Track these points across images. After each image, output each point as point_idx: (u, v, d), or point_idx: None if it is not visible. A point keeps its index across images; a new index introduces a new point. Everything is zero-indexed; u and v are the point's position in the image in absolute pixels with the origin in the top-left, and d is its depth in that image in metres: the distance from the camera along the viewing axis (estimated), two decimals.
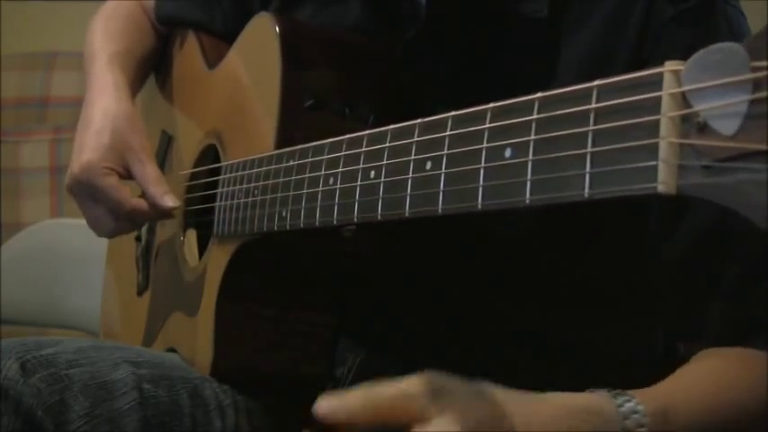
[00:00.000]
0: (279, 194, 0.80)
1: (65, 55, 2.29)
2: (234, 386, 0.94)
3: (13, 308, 1.83)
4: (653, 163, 0.44)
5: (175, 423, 0.89)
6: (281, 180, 0.80)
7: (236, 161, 0.93)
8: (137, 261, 1.21)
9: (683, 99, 0.44)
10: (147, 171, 1.01)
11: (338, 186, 0.70)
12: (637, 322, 0.91)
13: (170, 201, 1.00)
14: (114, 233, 1.07)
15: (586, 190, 0.48)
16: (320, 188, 0.73)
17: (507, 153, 0.53)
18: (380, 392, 0.60)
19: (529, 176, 0.51)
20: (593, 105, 0.48)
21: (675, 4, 0.83)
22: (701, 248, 0.80)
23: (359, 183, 0.67)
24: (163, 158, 1.18)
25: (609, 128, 0.47)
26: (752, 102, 0.40)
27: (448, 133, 0.58)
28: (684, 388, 0.71)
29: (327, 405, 0.60)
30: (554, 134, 0.50)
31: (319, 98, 0.88)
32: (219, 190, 0.96)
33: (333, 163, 0.71)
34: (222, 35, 1.12)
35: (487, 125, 0.55)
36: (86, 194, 1.03)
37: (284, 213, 0.79)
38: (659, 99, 0.45)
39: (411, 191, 0.61)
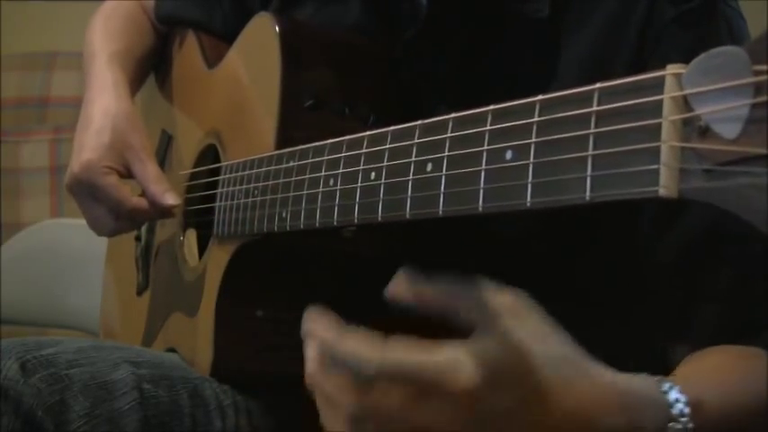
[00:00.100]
0: (279, 195, 0.80)
1: (65, 55, 2.28)
2: (234, 386, 0.94)
3: (13, 308, 1.83)
4: (654, 166, 0.44)
5: (175, 423, 0.89)
6: (281, 181, 0.80)
7: (235, 161, 0.93)
8: (136, 261, 1.21)
9: (685, 102, 0.43)
10: (148, 169, 1.01)
11: (338, 187, 0.70)
12: (632, 322, 0.91)
13: (171, 198, 1.00)
14: (114, 232, 1.07)
15: (587, 193, 0.48)
16: (320, 189, 0.73)
17: (508, 155, 0.53)
18: (459, 290, 0.58)
19: (530, 179, 0.51)
20: (595, 108, 0.48)
21: (676, 5, 0.83)
22: (695, 249, 0.81)
23: (359, 184, 0.67)
24: (162, 158, 1.18)
25: (610, 131, 0.47)
26: (753, 105, 0.40)
27: (449, 135, 0.58)
28: (708, 377, 0.70)
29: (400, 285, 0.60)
30: (555, 137, 0.50)
31: (319, 98, 0.88)
32: (219, 190, 0.96)
33: (333, 164, 0.71)
34: (222, 35, 1.12)
35: (488, 127, 0.55)
36: (86, 194, 1.03)
37: (284, 214, 0.79)
38: (661, 102, 0.45)
39: (412, 193, 0.61)
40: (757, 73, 0.40)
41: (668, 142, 0.43)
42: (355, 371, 0.56)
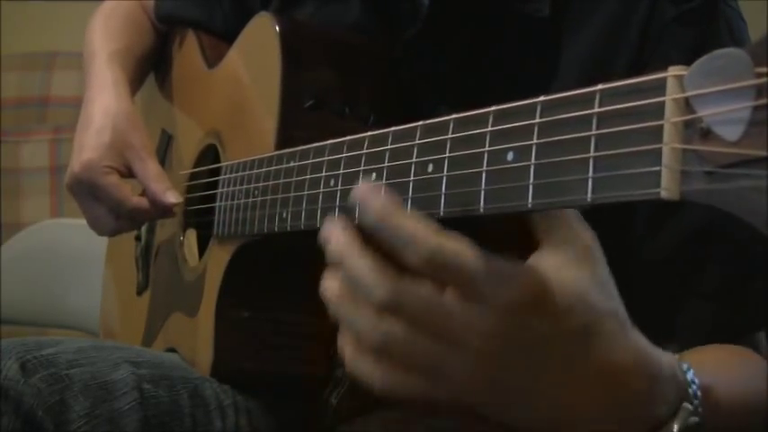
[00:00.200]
0: (279, 195, 0.80)
1: (65, 55, 2.29)
2: (234, 386, 0.94)
3: (13, 308, 1.83)
4: (656, 168, 0.44)
5: (176, 423, 0.89)
6: (281, 181, 0.80)
7: (236, 161, 0.93)
8: (136, 260, 1.21)
9: (687, 104, 0.43)
10: (149, 168, 1.01)
11: (339, 188, 0.70)
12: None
13: (172, 197, 0.99)
14: (115, 232, 1.07)
15: (589, 195, 0.48)
16: (321, 190, 0.73)
17: (509, 156, 0.53)
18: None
19: (531, 180, 0.51)
20: (596, 110, 0.48)
21: (677, 5, 0.83)
22: (686, 248, 0.81)
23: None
24: (162, 157, 1.18)
25: (612, 132, 0.47)
26: (755, 108, 0.40)
27: (450, 136, 0.58)
28: (715, 369, 0.69)
29: None
30: (556, 138, 0.50)
31: (319, 98, 0.88)
32: (219, 190, 0.96)
33: (334, 164, 0.71)
34: (222, 34, 1.12)
35: (489, 128, 0.55)
36: (87, 193, 1.03)
37: (285, 215, 0.79)
38: (662, 104, 0.44)
39: (412, 194, 0.61)
40: (759, 75, 0.40)
41: (670, 144, 0.43)
42: (408, 249, 0.53)
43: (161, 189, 1.00)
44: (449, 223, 0.55)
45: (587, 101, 0.49)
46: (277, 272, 0.93)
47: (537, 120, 0.52)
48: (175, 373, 0.93)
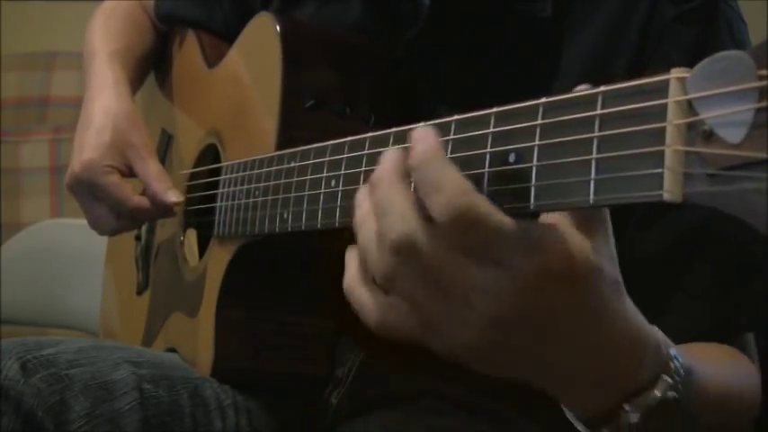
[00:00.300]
0: (280, 196, 0.80)
1: (65, 55, 2.29)
2: (234, 386, 0.94)
3: (13, 308, 1.83)
4: (658, 170, 0.44)
5: (176, 423, 0.89)
6: (282, 181, 0.80)
7: (236, 162, 0.92)
8: (136, 260, 1.21)
9: (689, 107, 0.43)
10: (149, 167, 1.01)
11: (340, 189, 0.70)
12: None
13: (173, 196, 0.99)
14: (115, 232, 1.07)
15: (591, 196, 0.48)
16: (322, 190, 0.73)
17: (511, 158, 0.53)
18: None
19: (533, 182, 0.51)
20: (599, 111, 0.48)
21: (677, 5, 0.83)
22: (678, 248, 0.81)
23: (361, 185, 0.67)
24: (163, 157, 1.18)
25: (614, 134, 0.47)
26: (758, 110, 0.40)
27: (451, 137, 0.58)
28: (699, 359, 0.69)
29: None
30: (559, 140, 0.50)
31: (320, 98, 0.88)
32: (220, 190, 0.96)
33: (335, 165, 0.71)
34: (222, 34, 1.12)
35: (491, 129, 0.55)
36: (87, 193, 1.03)
37: (285, 215, 0.79)
38: (665, 106, 0.44)
39: None
40: (761, 77, 0.40)
41: (672, 146, 0.43)
42: (441, 198, 0.52)
43: (162, 188, 1.00)
44: None
45: (590, 102, 0.49)
46: (277, 272, 0.93)
47: (539, 121, 0.52)
48: (175, 373, 0.93)
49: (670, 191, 0.43)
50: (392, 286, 0.56)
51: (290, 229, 0.78)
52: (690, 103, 0.43)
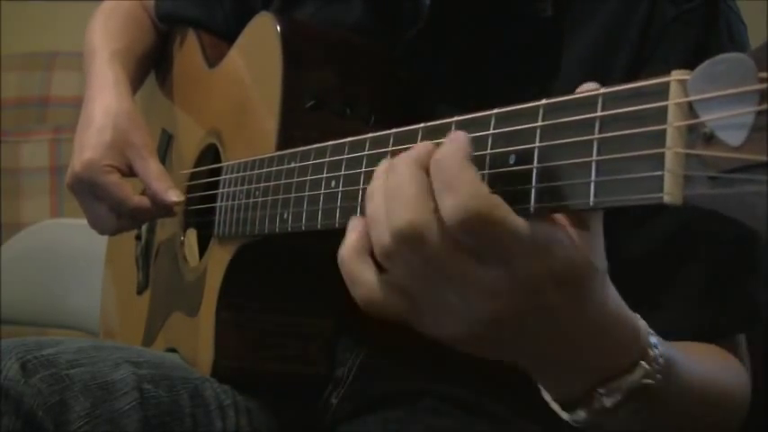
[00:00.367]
0: (280, 196, 0.80)
1: (65, 55, 2.29)
2: (234, 386, 0.94)
3: (13, 308, 1.83)
4: (659, 173, 0.44)
5: (176, 423, 0.88)
6: (282, 182, 0.80)
7: (237, 162, 0.92)
8: (136, 260, 1.21)
9: (690, 109, 0.43)
10: (150, 167, 1.01)
11: (340, 189, 0.70)
12: None
13: (174, 195, 0.99)
14: (116, 231, 1.07)
15: (591, 198, 0.48)
16: (322, 191, 0.73)
17: (511, 160, 0.53)
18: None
19: (534, 184, 0.51)
20: (599, 113, 0.48)
21: (677, 5, 0.83)
22: (669, 248, 0.81)
23: (361, 186, 0.67)
24: (163, 157, 1.18)
25: (614, 136, 0.47)
26: (758, 113, 0.40)
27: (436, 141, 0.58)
28: (682, 353, 0.70)
29: None
30: (559, 142, 0.50)
31: (320, 98, 0.88)
32: (220, 190, 0.96)
33: (335, 166, 0.71)
34: (223, 33, 1.12)
35: (491, 131, 0.55)
36: (88, 192, 1.03)
37: (285, 216, 0.79)
38: (665, 108, 0.44)
39: None
40: (762, 80, 0.40)
41: (673, 149, 0.43)
42: (457, 198, 0.51)
43: (162, 188, 0.99)
44: None
45: (590, 104, 0.49)
46: (277, 272, 0.93)
47: (539, 123, 0.52)
48: (176, 373, 0.93)
49: (670, 193, 0.43)
50: (390, 265, 0.56)
51: (290, 229, 0.78)
52: (690, 105, 0.43)
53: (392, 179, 0.55)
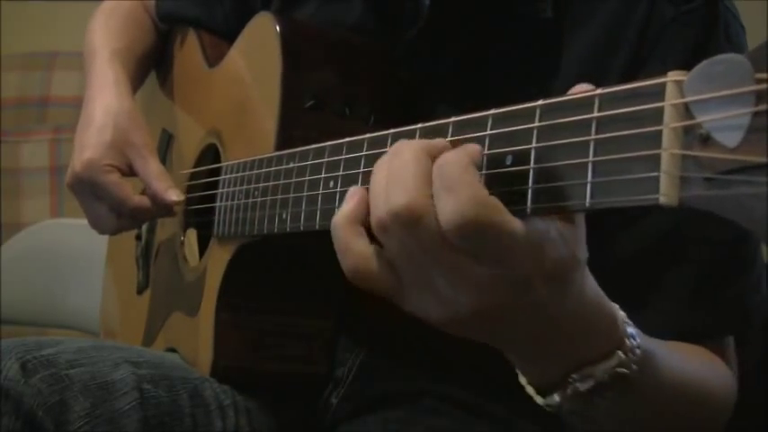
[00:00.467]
0: (279, 196, 0.80)
1: (65, 55, 2.29)
2: (234, 386, 0.94)
3: (13, 308, 1.83)
4: (655, 174, 0.44)
5: (176, 423, 0.88)
6: (281, 182, 0.80)
7: (236, 162, 0.92)
8: (137, 260, 1.21)
9: (686, 110, 0.43)
10: (150, 166, 1.01)
11: (338, 190, 0.70)
12: None
13: (174, 195, 0.99)
14: (116, 231, 1.07)
15: (587, 199, 0.48)
16: (320, 191, 0.73)
17: (508, 160, 0.53)
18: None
19: (530, 185, 0.51)
20: (595, 114, 0.48)
21: (676, 6, 0.83)
22: (658, 248, 0.81)
23: (360, 186, 0.67)
24: (163, 157, 1.18)
25: (611, 137, 0.47)
26: (755, 114, 0.40)
27: (449, 139, 0.58)
28: (665, 348, 0.71)
29: None
30: (555, 142, 0.50)
31: (320, 98, 0.88)
32: (220, 190, 0.96)
33: (333, 166, 0.71)
34: (223, 33, 1.12)
35: (488, 132, 0.55)
36: (88, 192, 1.03)
37: (284, 216, 0.79)
38: (662, 109, 0.44)
39: None
40: (759, 81, 0.40)
41: (669, 150, 0.43)
42: (457, 203, 0.52)
43: (163, 187, 0.99)
44: None
45: (586, 105, 0.49)
46: (277, 272, 0.93)
47: (536, 123, 0.52)
48: (175, 373, 0.93)
49: (666, 194, 0.43)
50: (384, 239, 0.57)
51: (288, 229, 0.78)
52: (687, 106, 0.43)
53: (397, 160, 0.56)
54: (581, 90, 0.51)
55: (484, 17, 0.89)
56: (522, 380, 0.64)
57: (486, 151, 0.55)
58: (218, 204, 0.96)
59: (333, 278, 0.93)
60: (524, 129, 0.52)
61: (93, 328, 1.43)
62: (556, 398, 0.62)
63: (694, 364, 0.77)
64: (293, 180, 0.78)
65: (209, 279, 0.97)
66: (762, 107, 0.39)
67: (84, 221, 1.06)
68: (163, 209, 1.01)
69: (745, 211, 0.39)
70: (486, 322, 0.57)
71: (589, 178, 0.48)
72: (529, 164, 0.52)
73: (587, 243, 0.57)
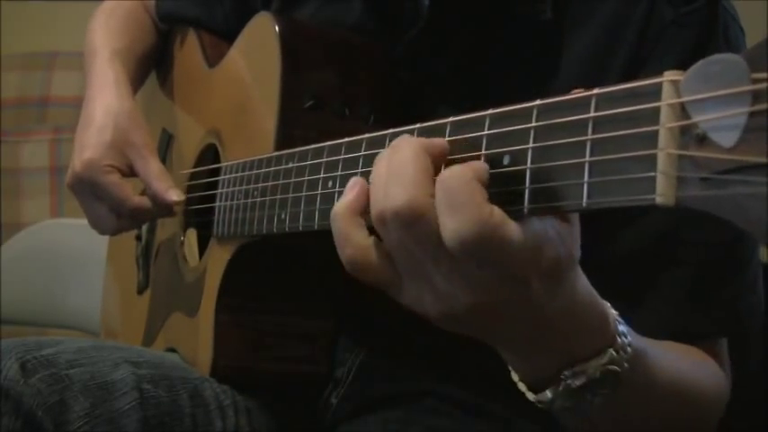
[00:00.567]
0: (278, 197, 0.80)
1: (65, 55, 2.29)
2: (234, 386, 0.94)
3: (13, 308, 1.83)
4: (651, 174, 0.44)
5: (176, 423, 0.88)
6: (280, 182, 0.80)
7: (235, 162, 0.92)
8: (137, 260, 1.21)
9: (683, 110, 0.43)
10: (150, 166, 1.01)
11: (337, 190, 0.70)
12: None
13: (174, 195, 0.99)
14: (116, 231, 1.07)
15: (584, 200, 0.48)
16: (319, 191, 0.73)
17: (506, 160, 0.53)
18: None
19: (527, 185, 0.51)
20: (592, 114, 0.48)
21: (675, 8, 0.83)
22: (655, 248, 0.81)
23: (360, 177, 0.67)
24: (163, 157, 1.18)
25: (607, 137, 0.47)
26: (751, 114, 0.40)
27: (447, 139, 0.58)
28: (658, 348, 0.71)
29: None
30: (552, 142, 0.50)
31: (319, 98, 0.88)
32: (219, 190, 0.96)
33: (332, 166, 0.71)
34: (223, 33, 1.12)
35: (486, 132, 0.55)
36: (88, 192, 1.03)
37: (283, 216, 0.79)
38: (658, 109, 0.44)
39: None
40: (755, 81, 0.40)
41: (665, 150, 0.43)
42: (462, 220, 0.52)
43: (163, 188, 0.99)
44: None
45: (583, 105, 0.49)
46: (277, 272, 0.93)
47: (533, 123, 0.52)
48: (175, 373, 0.93)
49: (663, 194, 0.43)
50: (383, 232, 0.57)
51: (287, 229, 0.79)
52: (683, 106, 0.43)
53: (396, 156, 0.56)
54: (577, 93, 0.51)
55: (483, 18, 0.89)
56: (515, 376, 0.65)
57: (483, 151, 0.55)
58: (217, 204, 0.96)
59: (333, 278, 0.93)
60: (521, 129, 0.52)
61: (94, 328, 1.43)
62: (548, 394, 0.62)
63: (686, 364, 0.77)
64: (292, 180, 0.78)
65: (209, 279, 0.97)
66: (758, 107, 0.39)
67: (84, 221, 1.06)
68: (163, 209, 1.01)
69: (741, 211, 0.39)
70: (482, 318, 0.57)
71: (586, 178, 0.48)
72: (526, 164, 0.52)
73: (583, 241, 0.57)
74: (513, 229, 0.52)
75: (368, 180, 0.59)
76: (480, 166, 0.54)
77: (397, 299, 0.59)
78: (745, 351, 0.87)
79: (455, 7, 0.89)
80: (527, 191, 0.51)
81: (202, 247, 1.04)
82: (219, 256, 0.95)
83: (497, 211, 0.52)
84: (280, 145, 0.86)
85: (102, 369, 0.87)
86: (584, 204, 0.48)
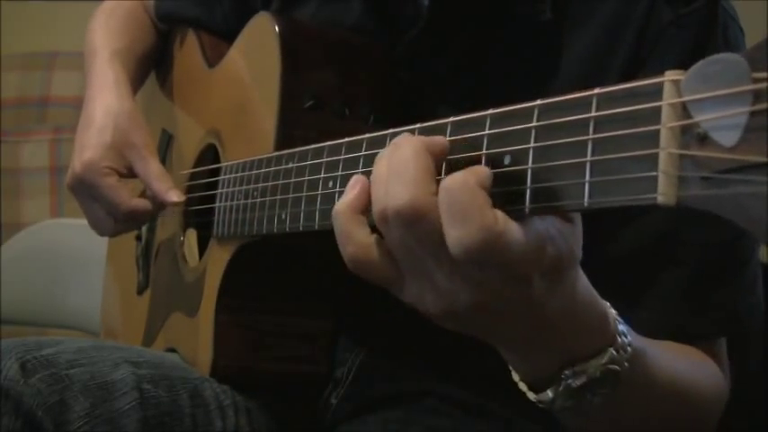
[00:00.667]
0: (278, 197, 0.80)
1: (65, 55, 2.29)
2: (234, 386, 0.94)
3: (13, 308, 1.83)
4: (653, 173, 0.44)
5: (176, 423, 0.88)
6: (280, 182, 0.80)
7: (235, 162, 0.92)
8: (137, 260, 1.21)
9: (684, 109, 0.43)
10: (150, 167, 1.01)
11: (337, 190, 0.70)
12: None
13: (174, 196, 0.99)
14: (115, 232, 1.07)
15: (586, 199, 0.48)
16: (319, 191, 0.73)
17: (507, 160, 0.53)
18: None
19: (528, 184, 0.51)
20: (593, 114, 0.48)
21: (674, 9, 0.83)
22: (654, 247, 0.82)
23: (361, 175, 0.67)
24: (163, 157, 1.18)
25: (608, 137, 0.47)
26: (752, 113, 0.40)
27: (447, 139, 0.58)
28: (657, 347, 0.71)
29: None
30: (554, 142, 0.50)
31: (319, 98, 0.88)
32: (219, 191, 0.96)
33: (332, 166, 0.71)
34: (222, 33, 1.12)
35: (487, 131, 0.55)
36: (87, 194, 1.03)
37: (283, 216, 0.79)
38: (659, 109, 0.44)
39: None
40: (756, 80, 0.40)
41: (666, 149, 0.43)
42: (467, 229, 0.52)
43: (163, 188, 0.99)
44: None
45: (584, 105, 0.49)
46: (277, 272, 0.93)
47: (534, 123, 0.52)
48: (175, 373, 0.93)
49: (664, 194, 0.43)
50: (384, 231, 0.57)
51: (288, 229, 0.78)
52: (684, 105, 0.43)
53: (397, 154, 0.56)
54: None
55: (483, 18, 0.89)
56: (515, 376, 0.65)
57: (484, 151, 0.55)
58: (217, 205, 0.96)
59: (333, 278, 0.94)
60: (522, 129, 0.52)
61: (94, 328, 1.43)
62: (549, 394, 0.63)
63: (685, 364, 0.77)
64: (292, 180, 0.78)
65: (209, 279, 0.97)
66: (759, 106, 0.39)
67: (84, 221, 1.06)
68: (162, 209, 1.01)
69: (742, 211, 0.39)
70: (483, 316, 0.57)
71: (587, 178, 0.48)
72: (527, 164, 0.52)
73: (583, 241, 0.57)
74: (515, 232, 0.52)
75: (369, 179, 0.59)
76: (483, 171, 0.54)
77: (398, 297, 0.59)
78: (745, 351, 0.87)
79: (455, 7, 0.89)
80: (528, 191, 0.51)
81: (202, 247, 1.04)
82: (219, 257, 0.95)
83: (501, 217, 0.52)
84: (280, 145, 0.86)
85: (102, 369, 0.87)
86: (585, 204, 0.48)
